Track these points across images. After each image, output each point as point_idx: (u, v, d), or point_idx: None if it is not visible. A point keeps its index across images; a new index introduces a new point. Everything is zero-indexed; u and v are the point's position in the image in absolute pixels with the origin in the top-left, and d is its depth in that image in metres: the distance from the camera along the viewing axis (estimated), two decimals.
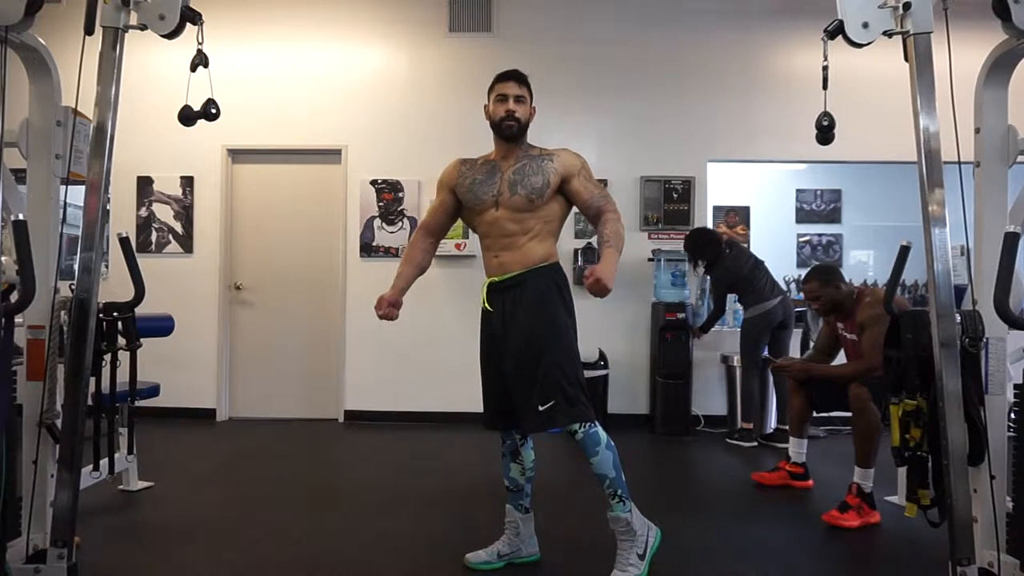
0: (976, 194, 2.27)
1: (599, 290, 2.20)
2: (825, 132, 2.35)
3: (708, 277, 5.24)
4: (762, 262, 4.94)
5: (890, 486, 3.34)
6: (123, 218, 5.43)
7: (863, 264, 7.04)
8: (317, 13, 5.48)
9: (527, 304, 2.39)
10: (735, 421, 5.00)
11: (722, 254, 4.89)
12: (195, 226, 5.48)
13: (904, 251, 2.26)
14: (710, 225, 5.68)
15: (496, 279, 2.44)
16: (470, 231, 2.64)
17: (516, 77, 2.48)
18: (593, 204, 2.43)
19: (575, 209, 2.52)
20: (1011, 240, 1.94)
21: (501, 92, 2.46)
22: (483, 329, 2.52)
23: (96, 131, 2.17)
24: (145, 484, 3.53)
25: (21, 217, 2.01)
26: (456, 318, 5.15)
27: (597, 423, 2.36)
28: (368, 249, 5.43)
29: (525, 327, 2.37)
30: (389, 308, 2.48)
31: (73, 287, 2.17)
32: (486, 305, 2.47)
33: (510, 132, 2.44)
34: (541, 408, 2.31)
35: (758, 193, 6.87)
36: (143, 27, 2.20)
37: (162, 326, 3.78)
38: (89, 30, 2.12)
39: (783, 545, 2.85)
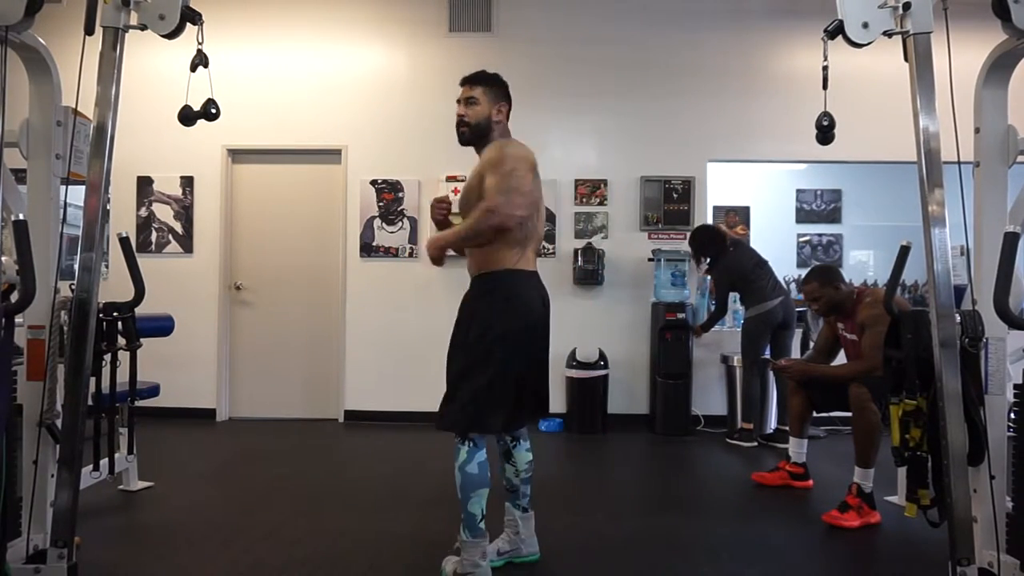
0: (976, 194, 2.27)
1: (431, 255, 2.38)
2: (825, 132, 2.36)
3: (709, 277, 5.26)
4: (766, 261, 4.94)
5: (890, 486, 3.34)
6: (123, 218, 5.43)
7: (863, 264, 7.05)
8: (317, 13, 5.48)
9: (460, 308, 2.45)
10: (735, 421, 5.00)
11: (725, 252, 4.89)
12: (195, 226, 5.48)
13: (904, 251, 2.26)
14: None
15: None
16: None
17: (467, 80, 2.47)
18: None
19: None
20: (1011, 240, 1.94)
21: (458, 98, 2.47)
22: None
23: (96, 131, 2.17)
24: (145, 484, 3.53)
25: (21, 217, 2.01)
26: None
27: (471, 439, 2.34)
28: (368, 249, 5.43)
29: (455, 329, 2.44)
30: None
31: (73, 287, 2.17)
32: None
33: (462, 139, 2.46)
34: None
35: (758, 193, 6.88)
36: (143, 27, 2.20)
37: (162, 326, 3.78)
38: (89, 30, 2.12)
39: (783, 545, 2.85)
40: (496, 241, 2.35)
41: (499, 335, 2.31)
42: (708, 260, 4.96)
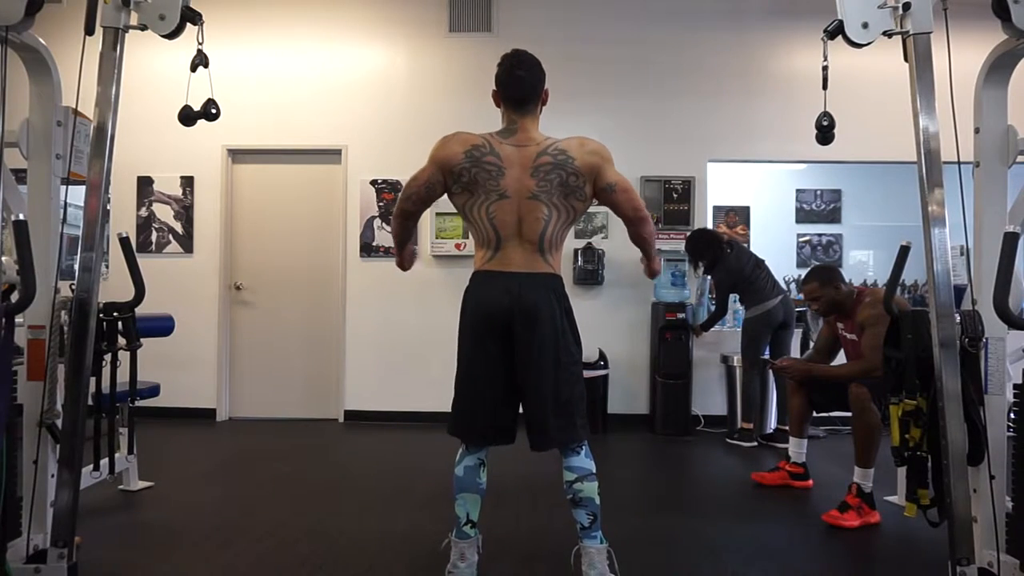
0: (976, 194, 2.27)
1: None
2: (825, 132, 2.36)
3: (708, 278, 5.25)
4: (763, 261, 4.94)
5: (890, 486, 3.34)
6: (123, 218, 5.44)
7: (863, 264, 7.06)
8: (317, 13, 5.48)
9: None
10: (735, 421, 5.00)
11: (723, 255, 4.89)
12: (195, 226, 5.48)
13: (904, 251, 2.27)
14: (710, 225, 5.68)
15: None
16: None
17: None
18: None
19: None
20: (1011, 240, 1.94)
21: None
22: None
23: (96, 131, 2.18)
24: (145, 484, 3.53)
25: (21, 217, 2.02)
26: (456, 318, 5.13)
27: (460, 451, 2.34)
28: (368, 249, 5.43)
29: None
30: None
31: (73, 287, 2.17)
32: None
33: None
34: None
35: (758, 193, 6.89)
36: (143, 27, 2.20)
37: (162, 326, 3.78)
38: (89, 30, 2.12)
39: (783, 545, 2.85)
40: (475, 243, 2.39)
41: (459, 339, 2.37)
42: (705, 264, 4.96)
